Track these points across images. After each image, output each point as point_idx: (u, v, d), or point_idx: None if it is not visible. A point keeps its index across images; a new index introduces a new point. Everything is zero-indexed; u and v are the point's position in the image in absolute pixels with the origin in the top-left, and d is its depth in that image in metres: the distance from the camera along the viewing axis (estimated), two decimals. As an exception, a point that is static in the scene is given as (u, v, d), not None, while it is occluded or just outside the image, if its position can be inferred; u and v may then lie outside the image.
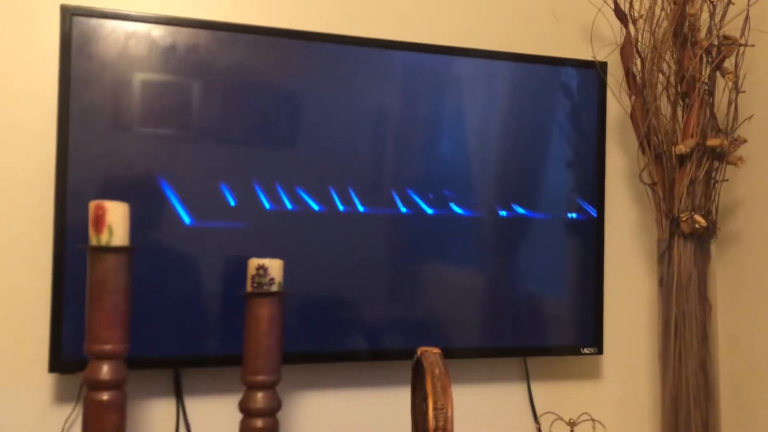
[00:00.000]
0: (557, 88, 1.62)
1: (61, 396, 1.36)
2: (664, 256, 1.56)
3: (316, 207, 1.45)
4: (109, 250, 1.12)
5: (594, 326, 1.64)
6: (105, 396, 1.13)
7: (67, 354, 1.29)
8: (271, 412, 1.21)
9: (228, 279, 1.38)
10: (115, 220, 1.13)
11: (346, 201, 1.47)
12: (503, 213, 1.57)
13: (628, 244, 1.74)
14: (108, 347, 1.12)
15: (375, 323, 1.51)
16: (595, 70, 1.62)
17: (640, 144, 1.60)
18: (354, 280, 1.48)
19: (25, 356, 1.34)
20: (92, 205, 1.14)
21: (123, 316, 1.14)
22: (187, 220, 1.37)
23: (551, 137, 1.62)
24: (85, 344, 1.14)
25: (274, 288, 1.21)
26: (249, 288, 1.21)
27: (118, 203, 1.15)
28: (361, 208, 1.48)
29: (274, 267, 1.21)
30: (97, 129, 1.33)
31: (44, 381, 1.35)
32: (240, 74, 1.42)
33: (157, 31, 1.37)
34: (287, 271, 1.26)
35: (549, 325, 1.62)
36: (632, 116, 1.60)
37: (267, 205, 1.42)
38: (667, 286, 1.55)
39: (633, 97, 1.60)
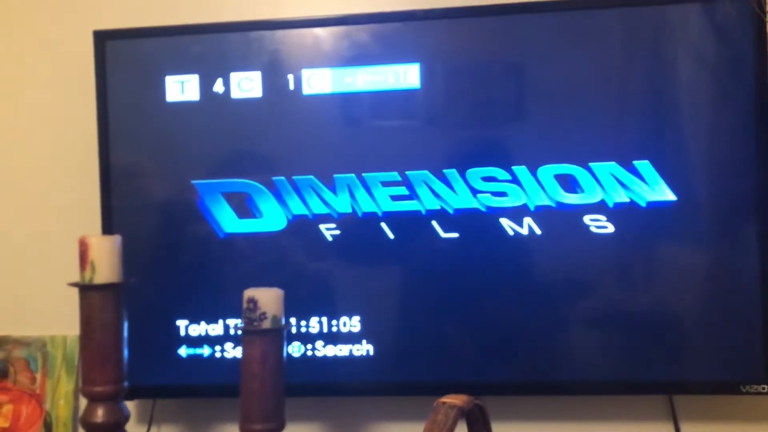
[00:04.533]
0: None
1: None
2: None
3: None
4: (91, 288, 1.07)
5: (763, 358, 1.21)
6: (100, 439, 1.08)
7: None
8: (272, 467, 1.06)
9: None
10: (98, 256, 1.07)
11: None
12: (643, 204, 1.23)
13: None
14: (97, 389, 1.07)
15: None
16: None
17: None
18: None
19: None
20: (78, 240, 1.09)
21: (112, 355, 1.08)
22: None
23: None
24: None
25: (266, 324, 1.05)
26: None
27: (103, 238, 1.09)
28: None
29: (266, 300, 1.05)
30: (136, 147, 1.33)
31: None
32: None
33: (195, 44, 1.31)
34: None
35: (700, 354, 1.25)
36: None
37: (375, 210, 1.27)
38: None
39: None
